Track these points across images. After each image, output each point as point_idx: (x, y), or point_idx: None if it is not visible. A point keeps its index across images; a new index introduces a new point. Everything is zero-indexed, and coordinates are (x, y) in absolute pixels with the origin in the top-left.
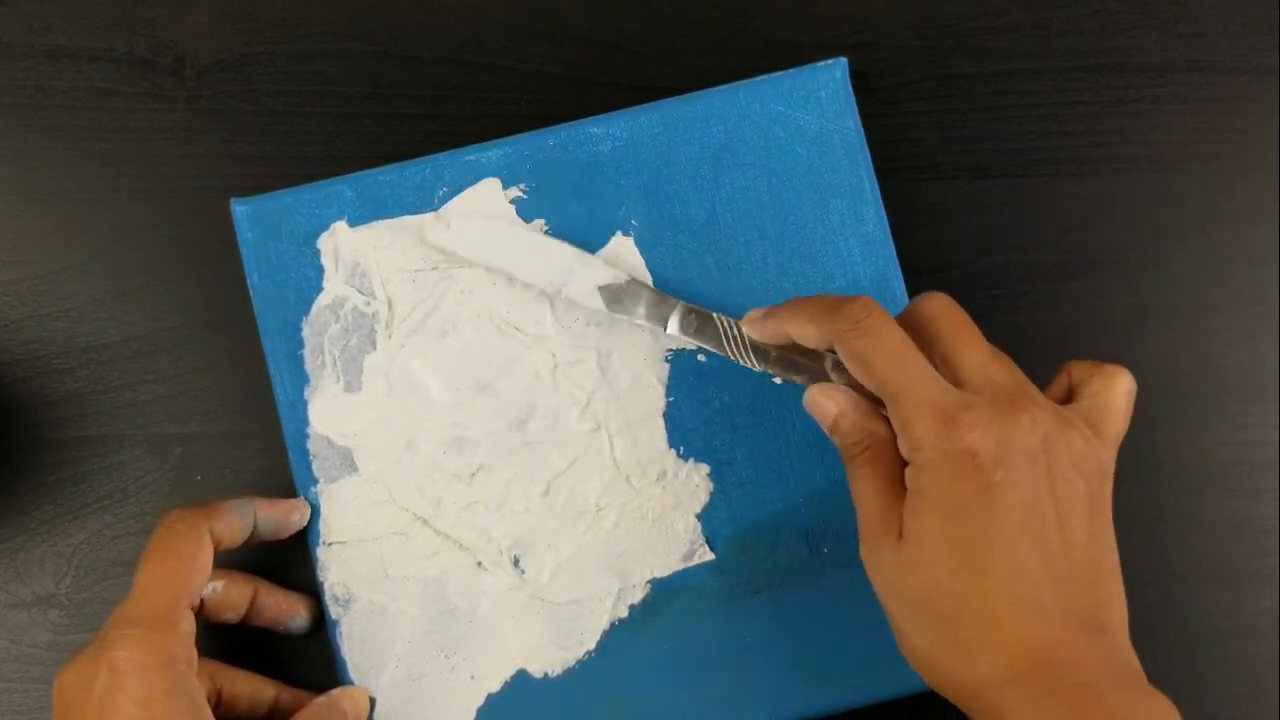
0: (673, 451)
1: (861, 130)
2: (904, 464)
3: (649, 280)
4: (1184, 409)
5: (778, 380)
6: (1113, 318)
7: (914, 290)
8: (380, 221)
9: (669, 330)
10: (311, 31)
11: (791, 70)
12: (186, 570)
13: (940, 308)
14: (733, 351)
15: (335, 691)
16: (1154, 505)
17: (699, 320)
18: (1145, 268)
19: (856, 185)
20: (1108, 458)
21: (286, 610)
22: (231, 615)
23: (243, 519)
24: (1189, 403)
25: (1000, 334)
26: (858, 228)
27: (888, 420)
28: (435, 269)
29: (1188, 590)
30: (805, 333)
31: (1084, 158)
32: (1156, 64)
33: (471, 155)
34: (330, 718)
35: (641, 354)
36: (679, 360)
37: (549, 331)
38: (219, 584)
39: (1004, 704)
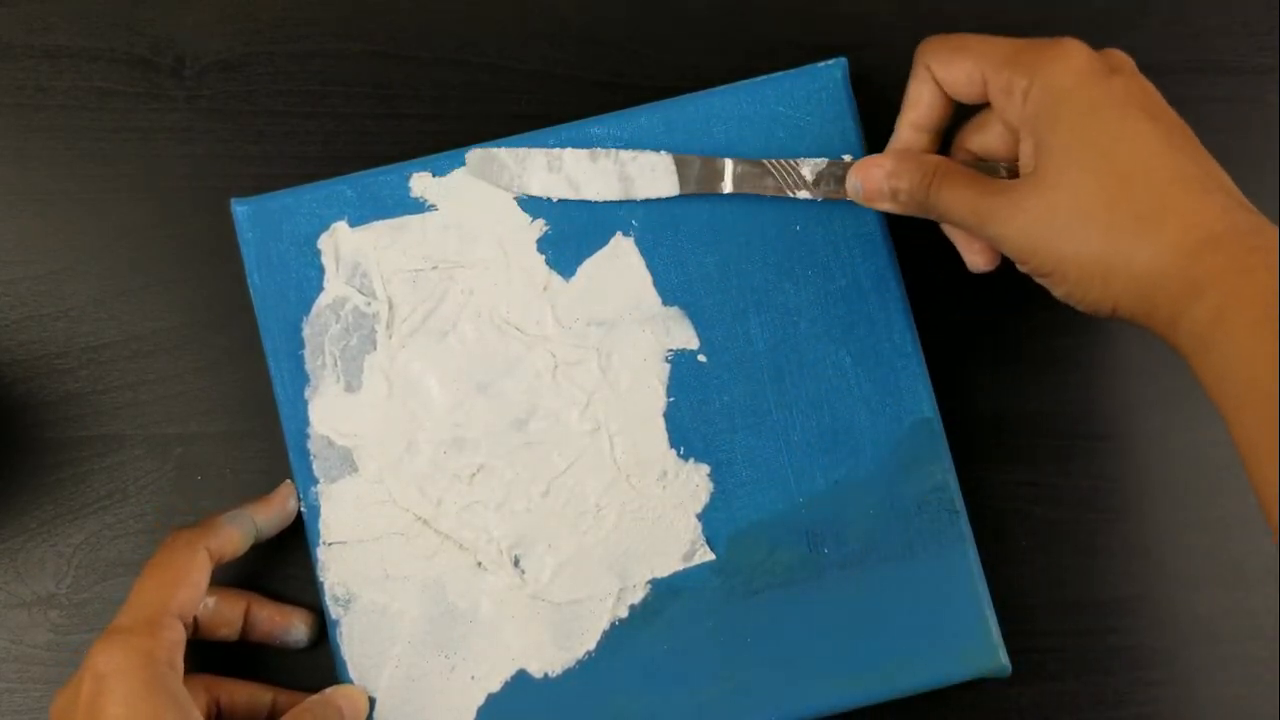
0: (673, 452)
1: (861, 130)
2: (974, 161)
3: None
4: (1184, 409)
5: (818, 198)
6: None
7: (914, 290)
8: (381, 221)
9: (729, 189)
10: (311, 31)
11: (791, 70)
12: (175, 582)
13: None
14: (782, 182)
15: (330, 690)
16: (1154, 505)
17: (750, 170)
18: None
19: None
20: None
21: (281, 624)
22: (227, 631)
23: (241, 530)
24: (1189, 403)
25: (1000, 334)
26: (857, 228)
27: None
28: (436, 269)
29: (1188, 590)
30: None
31: None
32: (1156, 64)
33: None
34: (324, 714)
35: (642, 354)
36: (679, 360)
37: (549, 332)
38: (210, 601)
39: (1199, 274)
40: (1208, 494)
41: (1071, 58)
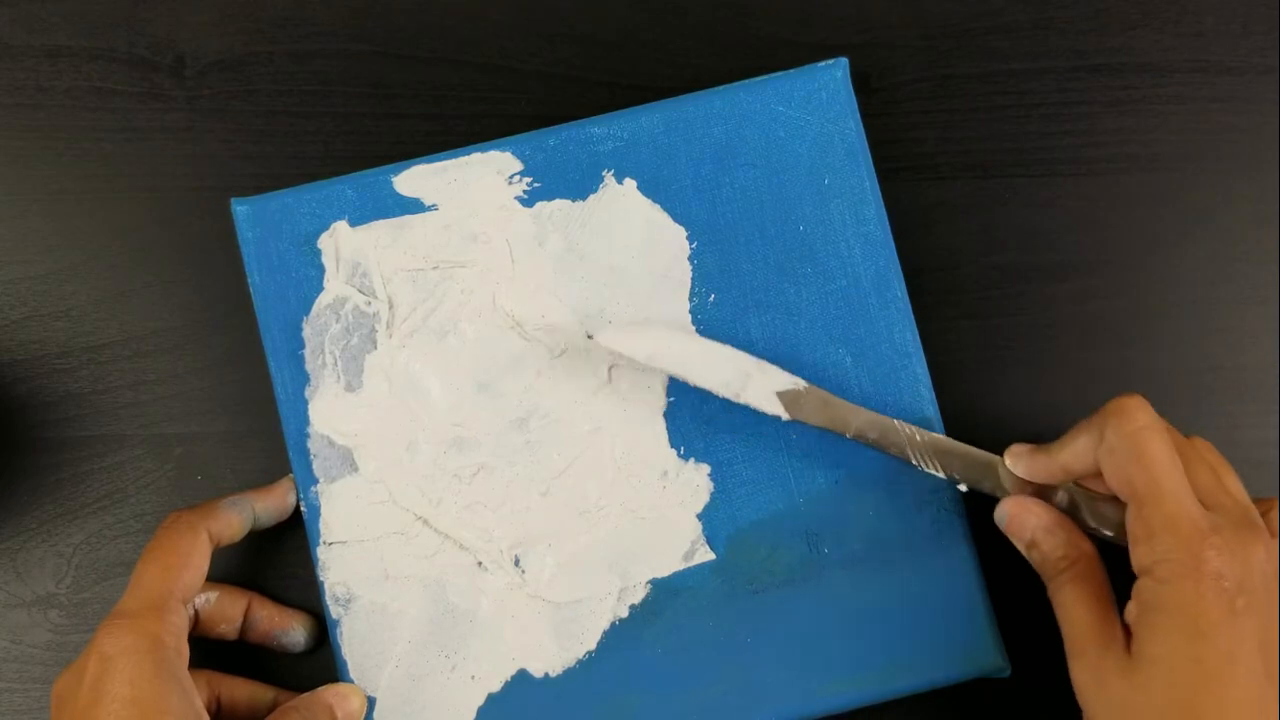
0: (673, 451)
1: (862, 130)
2: (1108, 578)
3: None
4: (1184, 409)
5: (963, 488)
6: (1113, 318)
7: (914, 290)
8: (381, 221)
9: (848, 436)
10: (311, 31)
11: (792, 70)
12: (179, 565)
13: (1138, 430)
14: (917, 458)
15: (322, 688)
16: None
17: (880, 430)
18: (1145, 268)
19: (857, 185)
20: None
21: (280, 624)
22: (226, 628)
23: (241, 514)
24: (1189, 403)
25: (1000, 334)
26: (858, 228)
27: (1089, 536)
28: (436, 269)
29: None
30: (1083, 459)
31: (1084, 158)
32: (1156, 64)
33: (471, 155)
34: (311, 713)
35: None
36: None
37: (550, 331)
38: (212, 595)
39: None
40: None
41: (1211, 568)
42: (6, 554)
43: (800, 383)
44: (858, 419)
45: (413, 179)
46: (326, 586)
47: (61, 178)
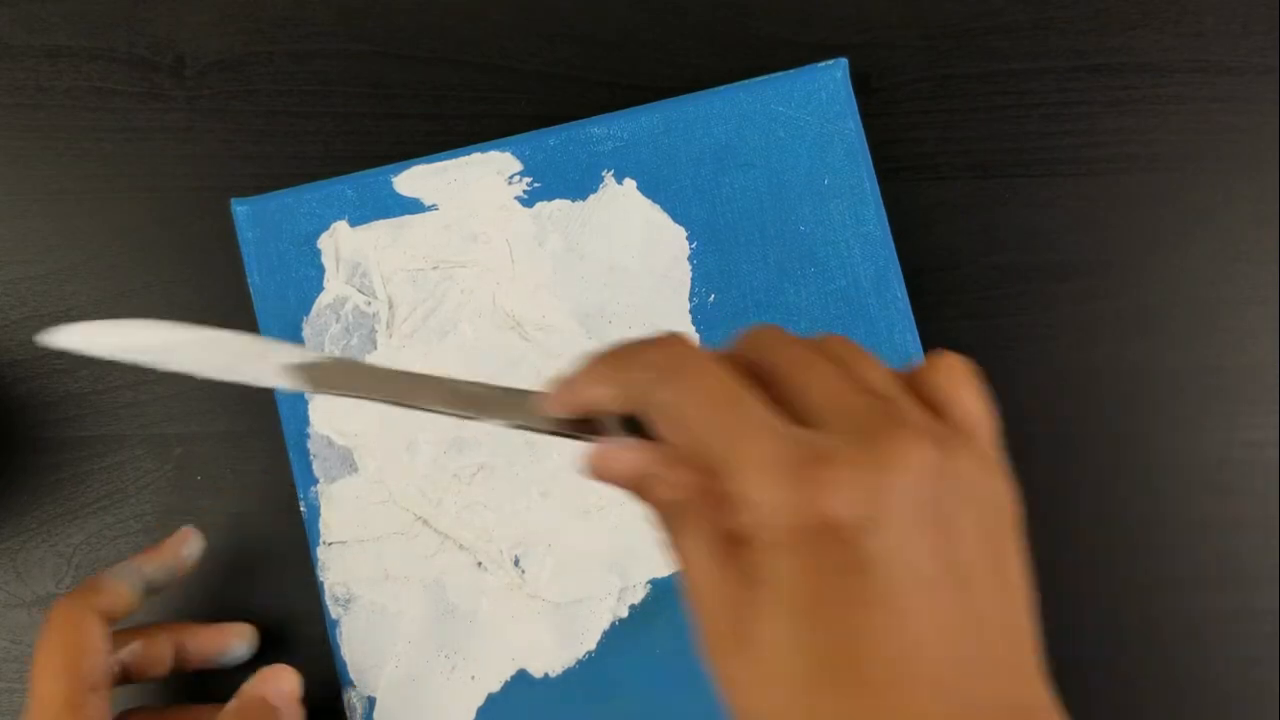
0: None
1: (862, 130)
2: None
3: None
4: (1184, 409)
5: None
6: (1113, 318)
7: (914, 290)
8: (381, 221)
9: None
10: (311, 31)
11: (791, 70)
12: (75, 659)
13: (764, 334)
14: (458, 410)
15: (251, 681)
16: (1154, 505)
17: (411, 385)
18: (1145, 268)
19: (856, 185)
20: (1002, 480)
21: (216, 647)
22: (159, 670)
23: (128, 583)
24: (1189, 403)
25: (1000, 334)
26: (858, 228)
27: (692, 466)
28: (436, 269)
29: (1188, 590)
30: (602, 397)
31: (1084, 158)
32: (1156, 64)
33: (471, 155)
34: (247, 711)
35: None
36: None
37: (550, 331)
38: (135, 645)
39: None
40: (1208, 494)
41: (818, 517)
42: (6, 554)
43: (325, 357)
44: (385, 381)
45: (413, 179)
46: (326, 586)
47: (61, 178)
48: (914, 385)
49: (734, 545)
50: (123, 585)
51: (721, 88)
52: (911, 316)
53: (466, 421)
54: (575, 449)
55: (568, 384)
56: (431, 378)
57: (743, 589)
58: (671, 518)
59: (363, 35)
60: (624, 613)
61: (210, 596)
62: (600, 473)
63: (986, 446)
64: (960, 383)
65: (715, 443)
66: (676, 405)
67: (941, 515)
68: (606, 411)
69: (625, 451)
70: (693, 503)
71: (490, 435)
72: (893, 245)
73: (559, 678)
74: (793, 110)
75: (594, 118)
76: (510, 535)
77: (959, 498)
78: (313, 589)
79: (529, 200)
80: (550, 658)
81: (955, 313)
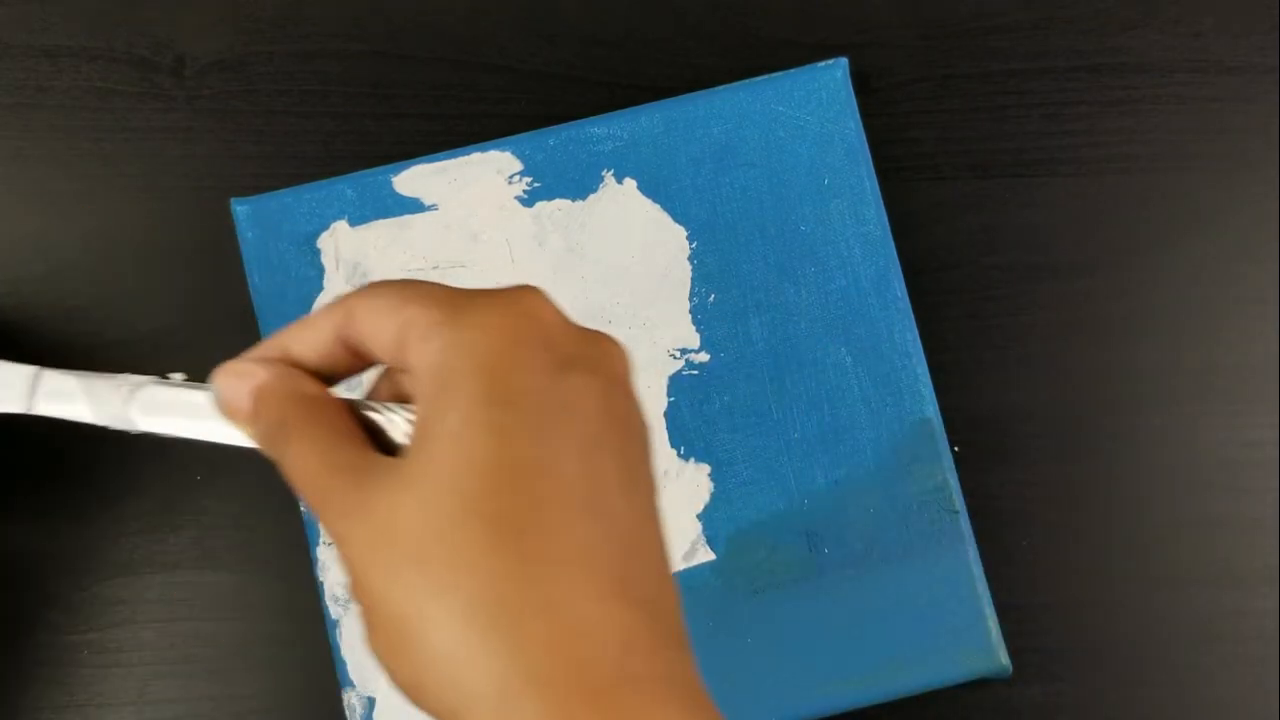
0: (673, 451)
1: (862, 130)
2: (363, 418)
3: None
4: (1184, 409)
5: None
6: (1113, 318)
7: (914, 290)
8: (380, 221)
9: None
10: (311, 31)
11: (792, 70)
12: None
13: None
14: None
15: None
16: (1154, 505)
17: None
18: (1145, 267)
19: (856, 185)
20: (625, 398)
21: None
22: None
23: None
24: (1189, 403)
25: (1000, 334)
26: (858, 228)
27: (318, 382)
28: (436, 268)
29: (1188, 590)
30: (309, 336)
31: (1084, 158)
32: (1156, 64)
33: (471, 155)
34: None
35: (642, 354)
36: (679, 360)
37: None
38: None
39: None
40: (1208, 494)
41: (499, 315)
42: (6, 554)
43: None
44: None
45: (413, 179)
46: (326, 586)
47: (61, 178)
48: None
49: (351, 429)
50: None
51: (721, 88)
52: (911, 316)
53: None
54: None
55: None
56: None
57: (369, 458)
58: (291, 423)
59: (363, 35)
60: None
61: (210, 597)
62: (227, 387)
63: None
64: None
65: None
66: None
67: (577, 417)
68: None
69: (248, 365)
70: (310, 404)
71: None
72: (893, 245)
73: None
74: (793, 110)
75: (594, 118)
76: None
77: (591, 406)
78: (313, 589)
79: (529, 200)
80: None
81: (955, 313)
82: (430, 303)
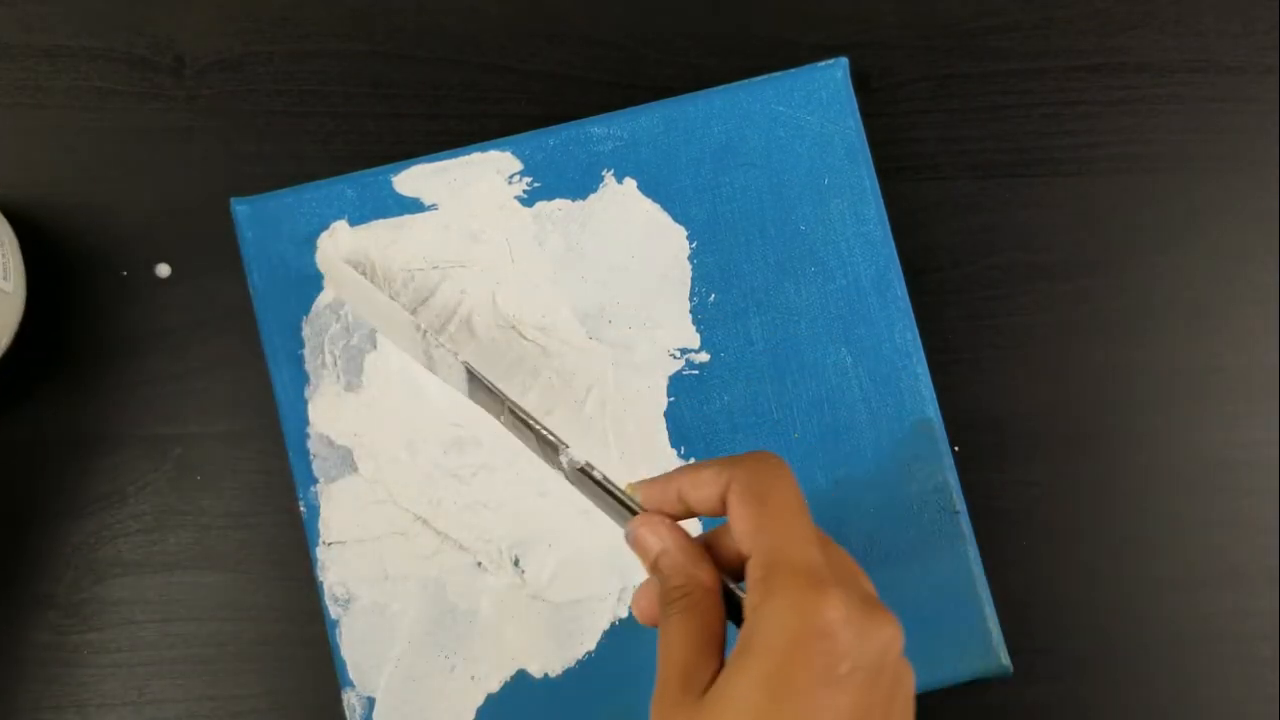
0: (673, 451)
1: (862, 130)
2: (725, 620)
3: None
4: (1184, 409)
5: (596, 504)
6: (1112, 318)
7: (914, 290)
8: (381, 221)
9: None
10: (311, 31)
11: (792, 70)
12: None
13: (776, 473)
14: (548, 457)
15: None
16: (1154, 505)
17: (520, 422)
18: (1145, 268)
19: (857, 185)
20: (894, 684)
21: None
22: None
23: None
24: (1189, 403)
25: (1000, 334)
26: (858, 228)
27: (713, 568)
28: (436, 268)
29: (1188, 590)
30: (704, 490)
31: (1084, 158)
32: (1156, 64)
33: (472, 155)
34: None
35: (642, 354)
36: (679, 360)
37: (549, 331)
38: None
39: None
40: (1207, 494)
41: (821, 621)
42: (6, 554)
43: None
44: (503, 411)
45: (413, 179)
46: (326, 586)
47: (62, 178)
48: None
49: (712, 631)
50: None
51: (721, 88)
52: (912, 316)
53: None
54: (579, 452)
55: (670, 479)
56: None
57: (710, 661)
58: (672, 600)
59: (363, 35)
60: (624, 613)
61: (210, 598)
62: (640, 540)
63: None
64: None
65: (774, 540)
66: (763, 498)
67: (892, 685)
68: (697, 501)
69: (664, 530)
70: (691, 593)
71: (490, 435)
72: (893, 245)
73: (559, 678)
74: (793, 110)
75: (594, 117)
76: (510, 535)
77: (901, 684)
78: (313, 589)
79: (529, 200)
80: (550, 658)
81: (955, 313)
82: (799, 574)
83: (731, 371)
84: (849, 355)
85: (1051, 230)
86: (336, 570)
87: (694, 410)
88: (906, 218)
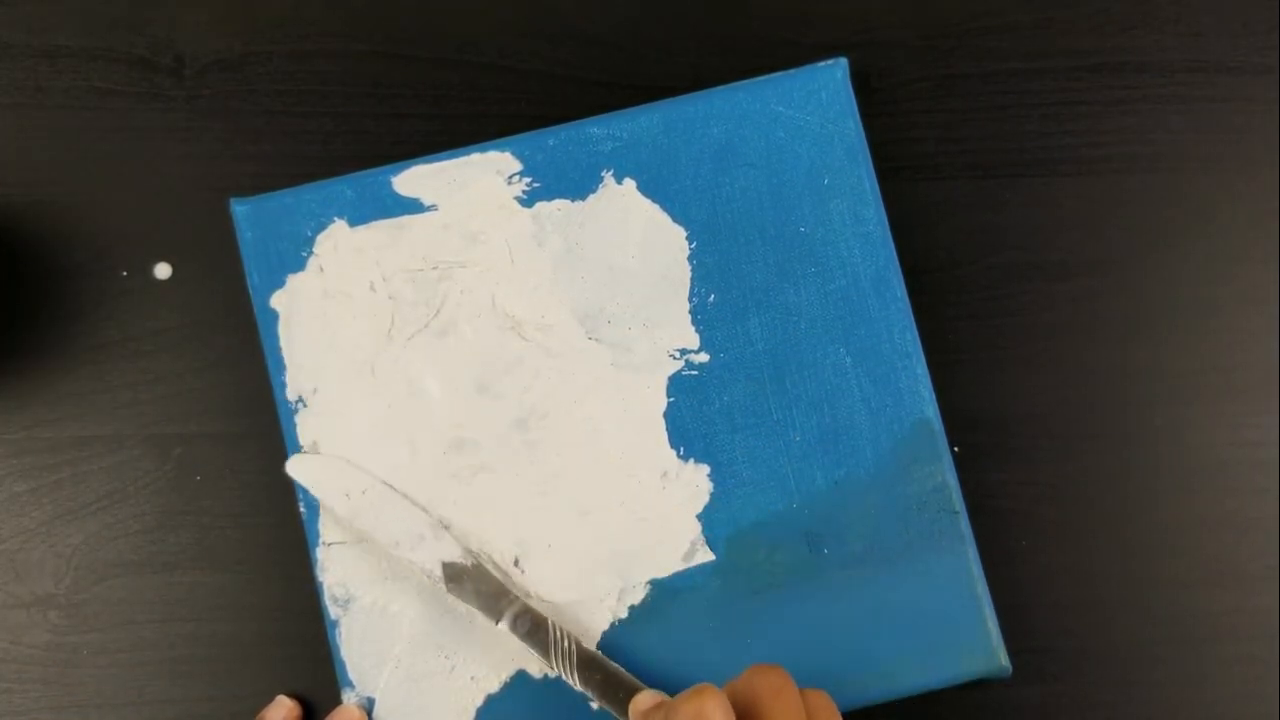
0: (673, 452)
1: (862, 130)
2: None
3: None
4: (1184, 409)
5: (594, 705)
6: (1113, 318)
7: (914, 290)
8: (380, 221)
9: (499, 626)
10: (311, 31)
11: (792, 70)
12: None
13: (775, 686)
14: (557, 663)
15: None
16: (1154, 505)
17: (532, 624)
18: (1145, 268)
19: (856, 185)
20: None
21: None
22: None
23: None
24: (1189, 403)
25: (1000, 334)
26: (858, 228)
27: None
28: (435, 269)
29: (1188, 590)
30: None
31: (1084, 158)
32: (1156, 64)
33: (471, 155)
34: None
35: (642, 354)
36: (679, 361)
37: (549, 331)
38: None
39: None
40: (1208, 494)
41: None
42: (6, 554)
43: (470, 559)
44: (511, 607)
45: (412, 179)
46: (325, 587)
47: (61, 178)
48: None
49: None
50: None
51: (721, 88)
52: (911, 316)
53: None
54: (579, 453)
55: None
56: (551, 625)
57: None
58: None
59: (363, 35)
60: (624, 613)
61: (210, 598)
62: None
63: None
64: None
65: None
66: None
67: None
68: None
69: None
70: None
71: (490, 436)
72: (893, 245)
73: (559, 678)
74: (793, 110)
75: (594, 118)
76: (510, 535)
77: None
78: (313, 589)
79: (528, 200)
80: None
81: (955, 313)
82: None
83: (731, 372)
84: (848, 355)
85: (1051, 230)
86: (336, 570)
87: (693, 411)
88: (906, 218)
